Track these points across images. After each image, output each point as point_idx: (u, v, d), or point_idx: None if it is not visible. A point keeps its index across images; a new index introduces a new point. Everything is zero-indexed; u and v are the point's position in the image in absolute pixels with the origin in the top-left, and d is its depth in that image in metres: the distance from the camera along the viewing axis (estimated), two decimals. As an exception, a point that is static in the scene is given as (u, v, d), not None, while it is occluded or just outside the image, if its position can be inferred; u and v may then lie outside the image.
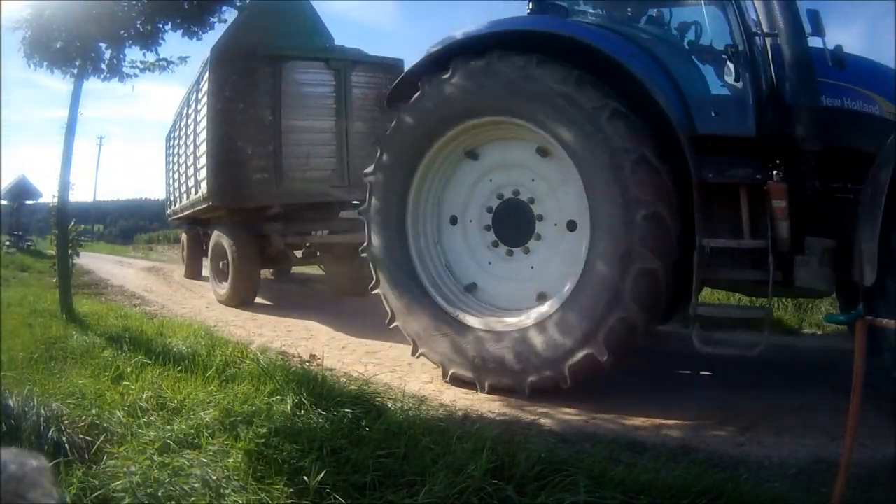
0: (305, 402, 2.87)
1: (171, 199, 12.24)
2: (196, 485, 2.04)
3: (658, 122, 3.47)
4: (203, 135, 7.98)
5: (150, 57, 5.93)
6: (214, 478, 2.09)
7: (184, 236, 12.61)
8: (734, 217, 3.43)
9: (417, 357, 4.14)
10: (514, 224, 3.99)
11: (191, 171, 9.22)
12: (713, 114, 3.60)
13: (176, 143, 11.08)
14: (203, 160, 8.06)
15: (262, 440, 2.40)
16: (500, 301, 4.06)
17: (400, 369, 4.52)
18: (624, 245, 3.31)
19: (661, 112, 3.43)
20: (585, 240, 3.56)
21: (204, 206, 8.39)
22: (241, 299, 7.81)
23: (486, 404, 3.61)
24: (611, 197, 3.37)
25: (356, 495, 2.08)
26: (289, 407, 2.83)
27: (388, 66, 8.28)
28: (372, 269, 4.36)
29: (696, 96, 3.70)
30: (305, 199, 7.78)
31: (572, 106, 3.44)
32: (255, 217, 8.00)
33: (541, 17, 4.07)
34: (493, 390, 3.71)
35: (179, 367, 3.53)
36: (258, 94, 7.33)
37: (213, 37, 6.04)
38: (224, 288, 8.00)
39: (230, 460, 2.24)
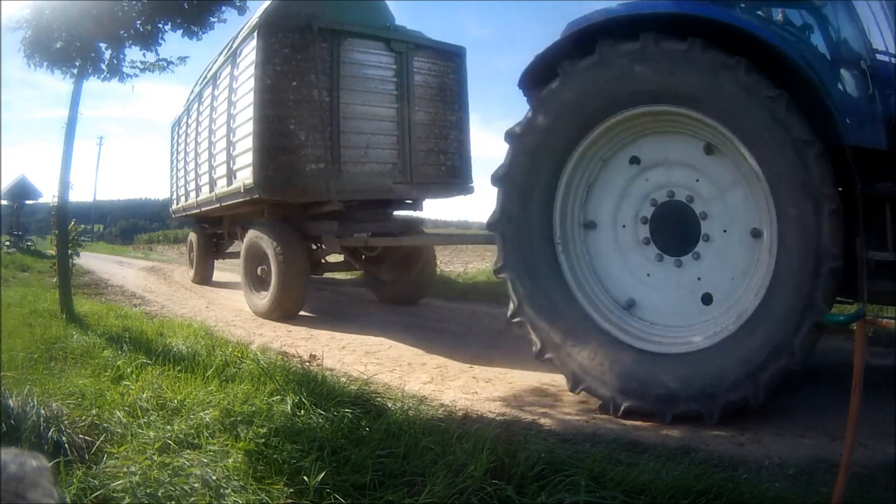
0: (305, 402, 2.87)
1: (179, 193, 11.16)
2: (196, 485, 2.04)
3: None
4: (243, 116, 6.84)
5: (150, 57, 5.94)
6: (214, 478, 2.09)
7: (192, 236, 11.34)
8: (880, 230, 3.14)
9: (578, 393, 3.50)
10: (674, 231, 3.51)
11: (217, 161, 8.03)
12: (849, 122, 3.29)
13: (190, 130, 9.94)
14: (242, 146, 6.90)
15: (262, 440, 2.40)
16: (664, 317, 3.52)
17: (400, 369, 4.53)
18: (814, 243, 2.98)
19: (823, 116, 3.12)
20: (769, 244, 3.15)
21: (240, 199, 7.19)
22: (284, 312, 6.64)
23: (486, 404, 3.61)
24: (799, 191, 3.01)
25: (356, 495, 2.07)
26: (289, 407, 2.83)
27: (451, 54, 7.62)
28: (512, 294, 3.66)
29: (837, 104, 3.31)
30: (364, 196, 6.91)
31: (747, 94, 3.07)
32: (302, 214, 7.02)
33: (697, 3, 3.51)
34: (677, 420, 3.16)
35: (179, 367, 3.52)
36: (313, 72, 6.36)
37: (213, 37, 5.98)
38: (264, 298, 6.80)
39: (230, 460, 2.24)
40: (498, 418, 3.27)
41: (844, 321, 1.92)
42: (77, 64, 5.65)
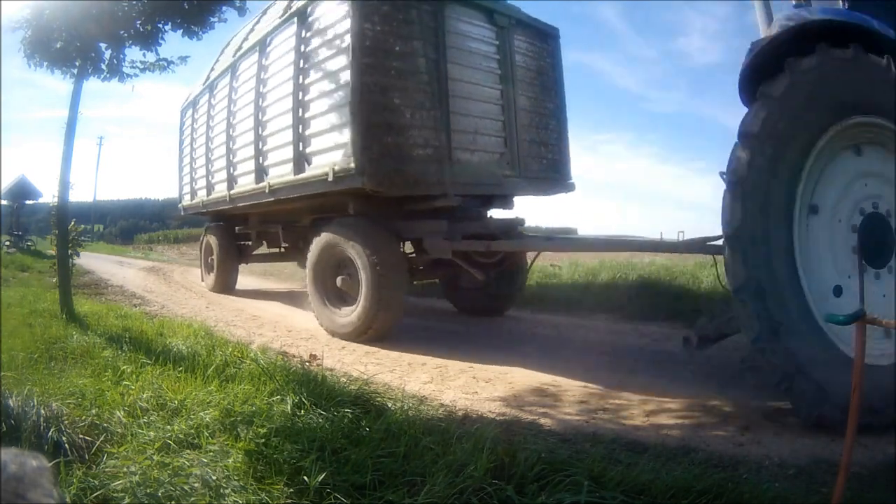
0: (305, 402, 2.87)
1: (195, 187, 9.66)
2: (196, 485, 2.04)
3: None
4: (323, 86, 5.65)
5: (150, 57, 5.93)
6: (214, 478, 2.09)
7: (210, 237, 9.72)
8: None
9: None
10: (876, 241, 3.29)
11: (270, 144, 6.69)
12: None
13: (215, 112, 8.50)
14: (321, 123, 5.67)
15: (262, 440, 2.40)
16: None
17: (400, 369, 4.53)
18: None
19: None
20: None
21: (320, 190, 5.75)
22: (379, 333, 5.41)
23: (486, 404, 3.61)
24: None
25: (356, 495, 2.08)
26: (289, 407, 2.83)
27: (546, 35, 6.84)
28: (748, 315, 3.12)
29: None
30: (474, 190, 5.90)
31: None
32: (397, 210, 5.84)
33: None
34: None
35: (179, 367, 3.52)
36: (417, 37, 5.41)
37: (213, 37, 5.95)
38: (348, 316, 5.55)
39: (230, 460, 2.23)
40: (498, 418, 3.27)
41: (844, 321, 1.91)
42: (77, 64, 5.65)
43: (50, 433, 2.35)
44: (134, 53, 5.90)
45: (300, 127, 5.99)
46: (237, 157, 7.71)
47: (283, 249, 9.18)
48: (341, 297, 5.80)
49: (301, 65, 5.96)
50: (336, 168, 5.33)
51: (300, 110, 5.97)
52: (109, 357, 3.84)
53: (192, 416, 2.67)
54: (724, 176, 3.30)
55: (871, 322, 1.90)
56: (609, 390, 3.86)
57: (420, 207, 5.75)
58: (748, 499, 2.10)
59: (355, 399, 3.03)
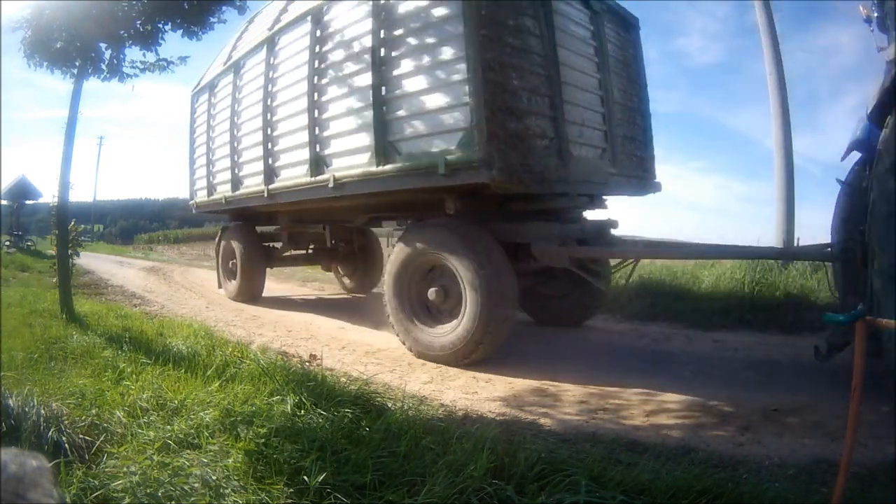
0: (305, 402, 2.87)
1: (213, 182, 8.44)
2: (196, 485, 2.04)
3: None
4: (419, 59, 4.69)
5: (150, 57, 5.92)
6: (214, 478, 2.09)
7: (230, 240, 8.47)
8: None
9: None
10: None
11: (332, 129, 5.63)
12: None
13: (242, 96, 7.38)
14: (421, 104, 4.67)
15: (262, 440, 2.40)
16: None
17: (400, 369, 4.53)
18: None
19: None
20: None
21: (410, 185, 4.84)
22: (485, 354, 4.55)
23: (486, 404, 3.61)
24: None
25: (356, 495, 2.08)
26: (289, 407, 2.83)
27: (630, 24, 6.27)
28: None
29: None
30: (585, 189, 5.24)
31: None
32: (497, 210, 5.06)
33: None
34: None
35: (179, 368, 3.53)
36: (528, 14, 4.73)
37: (213, 37, 5.87)
38: (445, 335, 4.62)
39: (230, 460, 2.24)
40: (498, 418, 3.27)
41: (845, 321, 1.91)
42: (77, 64, 5.65)
43: (50, 433, 2.35)
44: (134, 53, 5.90)
45: (384, 109, 4.98)
46: (278, 146, 6.58)
47: (309, 251, 8.70)
48: (429, 312, 4.92)
49: (383, 34, 4.96)
50: (451, 159, 4.37)
51: (383, 89, 4.98)
52: (109, 357, 3.84)
53: (192, 416, 2.67)
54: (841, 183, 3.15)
55: (872, 322, 1.90)
56: (609, 390, 3.86)
57: (530, 208, 4.99)
58: (748, 499, 2.10)
59: (355, 399, 3.04)
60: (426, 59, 4.65)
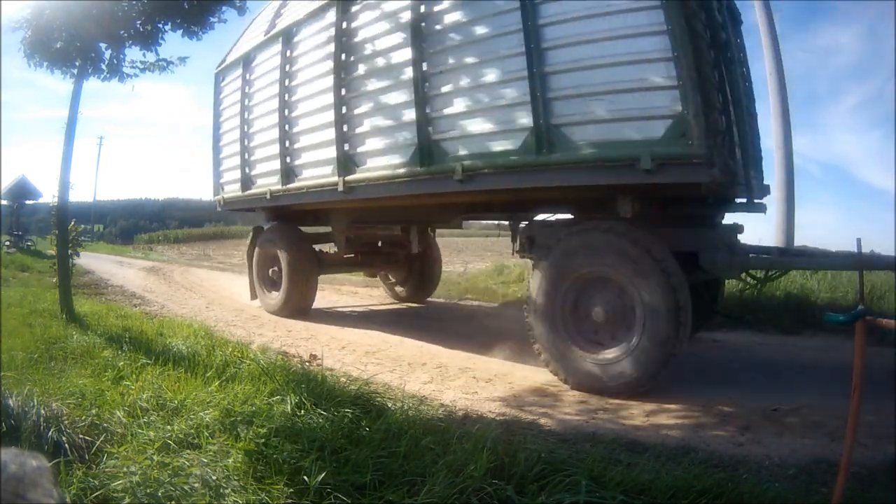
0: (305, 402, 2.87)
1: (254, 172, 7.10)
2: (196, 485, 2.04)
3: None
4: (601, 25, 3.77)
5: (150, 57, 5.93)
6: (214, 478, 2.09)
7: (271, 244, 7.22)
8: None
9: None
10: None
11: (458, 106, 4.58)
12: None
13: (298, 70, 6.19)
14: (605, 82, 3.79)
15: (262, 440, 2.40)
16: None
17: (400, 369, 4.53)
18: None
19: None
20: None
21: (588, 181, 3.98)
22: (654, 381, 3.79)
23: (485, 404, 3.61)
24: None
25: (356, 495, 2.08)
26: (289, 407, 2.83)
27: (737, 18, 5.39)
28: None
29: None
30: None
31: None
32: (658, 215, 4.28)
33: None
34: None
35: (179, 367, 3.53)
36: (714, 10, 4.19)
37: (213, 37, 5.85)
38: (617, 361, 3.86)
39: (230, 460, 2.24)
40: (498, 418, 3.27)
41: (845, 321, 1.91)
42: (77, 64, 5.66)
43: (50, 433, 2.35)
44: (134, 53, 5.91)
45: (539, 84, 4.03)
46: (362, 128, 5.45)
47: (359, 256, 7.54)
48: (583, 329, 4.12)
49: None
50: (659, 151, 3.61)
51: (537, 65, 4.04)
52: (109, 357, 3.84)
53: (192, 416, 2.67)
54: None
55: (872, 322, 1.90)
56: (609, 390, 3.85)
57: (694, 212, 4.34)
58: (748, 499, 2.10)
59: (355, 399, 3.03)
60: (615, 27, 3.75)
